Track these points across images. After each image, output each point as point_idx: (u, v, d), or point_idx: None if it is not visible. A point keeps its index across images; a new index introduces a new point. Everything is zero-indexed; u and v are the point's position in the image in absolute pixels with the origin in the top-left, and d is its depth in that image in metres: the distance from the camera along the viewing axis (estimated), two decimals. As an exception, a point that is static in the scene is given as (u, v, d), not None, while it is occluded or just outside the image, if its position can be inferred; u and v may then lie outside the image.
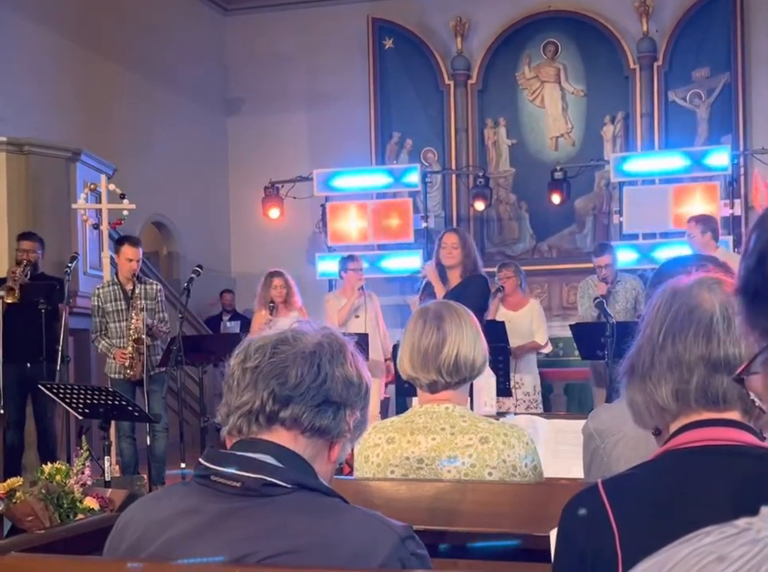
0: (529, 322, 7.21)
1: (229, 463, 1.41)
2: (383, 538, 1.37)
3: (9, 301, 6.37)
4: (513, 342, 6.93)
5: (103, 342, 6.58)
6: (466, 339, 2.30)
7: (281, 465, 1.40)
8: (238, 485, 1.38)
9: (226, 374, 1.50)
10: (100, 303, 6.60)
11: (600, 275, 7.15)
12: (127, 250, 6.61)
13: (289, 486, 1.38)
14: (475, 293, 5.35)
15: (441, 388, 2.32)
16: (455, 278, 5.71)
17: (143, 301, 6.58)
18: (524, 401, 7.06)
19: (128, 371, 6.46)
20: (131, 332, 6.46)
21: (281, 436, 1.43)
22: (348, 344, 1.52)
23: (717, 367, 1.32)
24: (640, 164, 10.16)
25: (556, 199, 10.39)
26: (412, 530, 1.43)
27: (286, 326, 1.52)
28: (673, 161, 9.97)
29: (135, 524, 1.45)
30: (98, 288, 6.72)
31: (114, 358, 6.53)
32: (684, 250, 7.43)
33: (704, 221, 6.76)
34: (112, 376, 6.57)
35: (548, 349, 7.44)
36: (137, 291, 6.60)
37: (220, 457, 1.43)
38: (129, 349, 6.45)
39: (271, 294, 6.96)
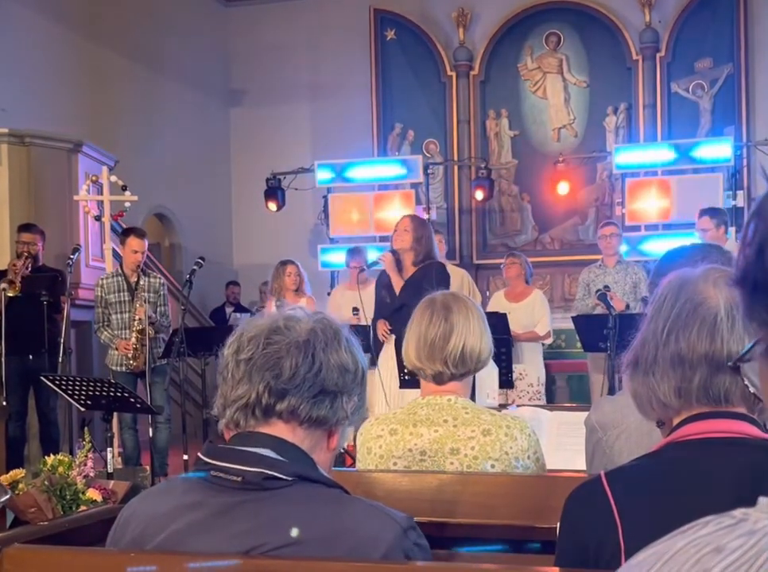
0: (531, 314, 7.20)
1: (228, 458, 1.40)
2: (386, 529, 1.37)
3: (11, 294, 6.37)
4: (514, 332, 6.95)
5: (106, 332, 6.59)
6: (473, 331, 2.30)
7: (280, 458, 1.39)
8: (239, 479, 1.38)
9: (220, 365, 1.48)
10: (103, 294, 6.60)
11: (603, 245, 7.20)
12: (133, 242, 6.61)
13: (290, 479, 1.38)
14: (429, 278, 5.32)
15: (447, 380, 2.32)
16: (407, 264, 5.65)
17: (146, 294, 6.59)
18: (527, 392, 7.06)
19: (131, 362, 6.46)
20: (135, 323, 6.46)
21: (279, 428, 1.42)
22: (342, 328, 1.50)
23: (720, 366, 1.32)
24: (642, 155, 10.14)
25: (558, 190, 10.38)
26: (413, 520, 1.43)
27: (279, 313, 1.50)
28: (676, 152, 9.95)
29: (137, 518, 1.45)
30: (102, 279, 6.72)
31: (116, 349, 6.53)
32: (687, 241, 7.36)
33: (718, 214, 6.62)
34: (114, 368, 6.58)
35: (548, 340, 7.44)
36: (141, 282, 6.61)
37: (219, 452, 1.42)
38: (133, 339, 6.45)
39: (285, 281, 7.00)
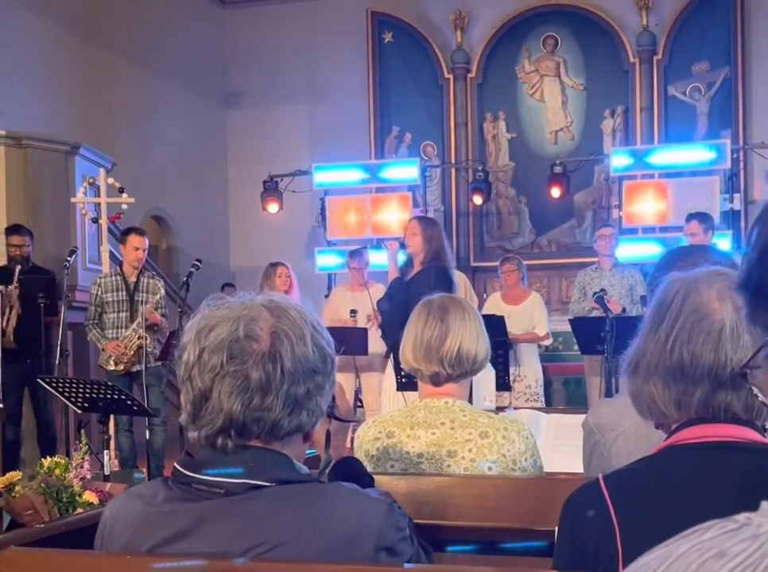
0: (530, 316, 7.23)
1: (209, 470, 1.38)
2: (373, 511, 1.38)
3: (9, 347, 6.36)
4: (513, 334, 6.98)
5: (95, 330, 6.59)
6: (468, 333, 2.30)
7: (260, 466, 1.38)
8: (222, 491, 1.37)
9: (179, 370, 1.41)
10: (100, 293, 6.61)
11: (600, 245, 7.24)
12: (134, 239, 6.65)
13: (273, 485, 1.37)
14: (428, 280, 5.37)
15: (444, 381, 2.32)
16: (416, 264, 5.71)
17: (145, 294, 6.60)
18: (524, 393, 7.07)
19: (118, 366, 6.45)
20: (135, 325, 6.48)
21: (256, 443, 1.40)
22: (304, 318, 1.42)
23: (722, 382, 1.31)
24: (639, 158, 10.15)
25: (555, 193, 10.39)
26: (389, 494, 1.44)
27: (236, 307, 1.41)
28: (673, 155, 9.97)
29: (122, 525, 1.43)
30: (100, 278, 6.74)
31: (103, 349, 6.53)
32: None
33: (706, 219, 6.70)
34: (109, 368, 6.57)
35: (548, 341, 7.46)
36: (140, 282, 6.63)
37: (199, 465, 1.40)
38: (127, 340, 6.45)
39: (275, 283, 6.97)
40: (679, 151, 9.98)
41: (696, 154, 9.90)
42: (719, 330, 1.31)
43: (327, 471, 1.66)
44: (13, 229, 6.73)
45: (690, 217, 6.74)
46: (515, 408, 3.71)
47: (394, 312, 5.36)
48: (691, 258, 1.67)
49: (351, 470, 1.75)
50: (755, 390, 0.85)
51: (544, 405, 7.11)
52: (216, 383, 1.37)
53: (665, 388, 1.33)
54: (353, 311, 7.16)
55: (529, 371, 7.15)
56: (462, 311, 2.33)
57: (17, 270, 6.48)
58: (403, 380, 4.75)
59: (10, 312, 6.40)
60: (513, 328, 6.97)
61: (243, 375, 1.36)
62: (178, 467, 1.41)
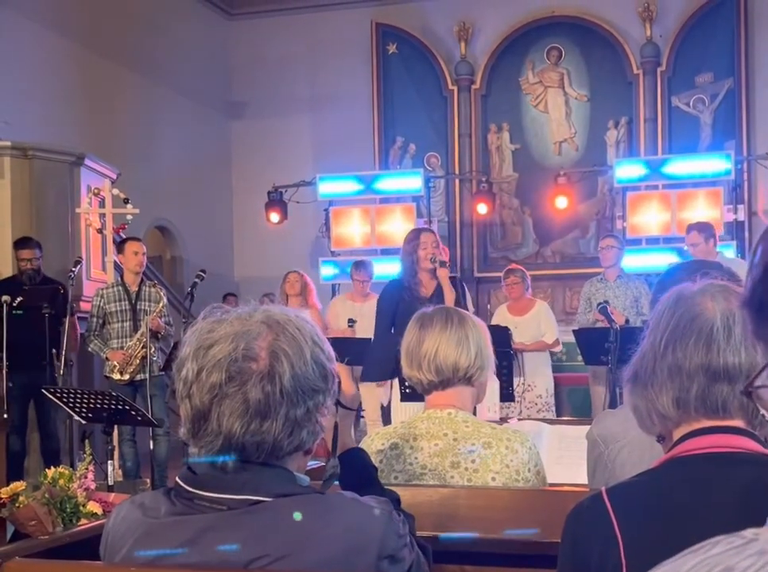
0: (537, 325, 7.22)
1: (211, 487, 1.38)
2: (375, 520, 1.39)
3: None
4: (522, 344, 6.98)
5: (96, 341, 6.60)
6: (448, 340, 2.28)
7: (262, 482, 1.38)
8: (224, 507, 1.37)
9: (178, 388, 1.40)
10: (102, 304, 6.62)
11: (600, 257, 7.25)
12: (132, 244, 6.71)
13: (274, 499, 1.37)
14: (464, 296, 5.33)
15: (431, 388, 2.33)
16: (427, 280, 5.43)
17: (147, 303, 6.61)
18: (535, 404, 7.04)
19: (123, 375, 6.46)
20: (139, 334, 6.50)
21: (256, 461, 1.40)
22: (303, 333, 1.40)
23: (716, 376, 1.32)
24: (643, 169, 10.15)
25: (559, 203, 10.40)
26: (388, 502, 1.45)
27: (234, 323, 1.39)
28: (677, 166, 9.97)
29: (123, 535, 1.43)
30: (102, 289, 6.75)
31: (107, 359, 6.55)
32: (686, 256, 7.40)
33: (706, 228, 6.71)
34: (114, 377, 6.58)
35: (558, 348, 7.46)
36: (142, 291, 6.65)
37: (201, 481, 1.40)
38: (131, 350, 6.47)
39: (285, 288, 7.39)
40: (683, 162, 9.99)
41: (699, 165, 9.91)
42: (711, 326, 1.33)
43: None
44: (22, 243, 6.76)
45: (690, 228, 6.78)
46: (519, 419, 3.71)
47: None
48: (690, 273, 1.68)
49: (355, 462, 1.75)
50: (762, 410, 0.85)
51: (555, 416, 7.09)
52: (215, 404, 1.36)
53: (662, 388, 1.35)
54: (351, 321, 7.23)
55: (539, 381, 7.12)
56: (444, 320, 2.31)
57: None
58: (407, 390, 4.74)
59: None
60: (522, 338, 6.97)
61: (242, 397, 1.35)
62: (180, 482, 1.41)
